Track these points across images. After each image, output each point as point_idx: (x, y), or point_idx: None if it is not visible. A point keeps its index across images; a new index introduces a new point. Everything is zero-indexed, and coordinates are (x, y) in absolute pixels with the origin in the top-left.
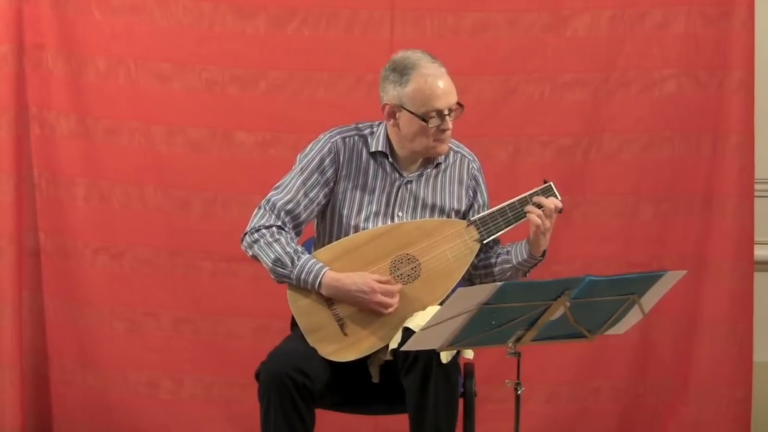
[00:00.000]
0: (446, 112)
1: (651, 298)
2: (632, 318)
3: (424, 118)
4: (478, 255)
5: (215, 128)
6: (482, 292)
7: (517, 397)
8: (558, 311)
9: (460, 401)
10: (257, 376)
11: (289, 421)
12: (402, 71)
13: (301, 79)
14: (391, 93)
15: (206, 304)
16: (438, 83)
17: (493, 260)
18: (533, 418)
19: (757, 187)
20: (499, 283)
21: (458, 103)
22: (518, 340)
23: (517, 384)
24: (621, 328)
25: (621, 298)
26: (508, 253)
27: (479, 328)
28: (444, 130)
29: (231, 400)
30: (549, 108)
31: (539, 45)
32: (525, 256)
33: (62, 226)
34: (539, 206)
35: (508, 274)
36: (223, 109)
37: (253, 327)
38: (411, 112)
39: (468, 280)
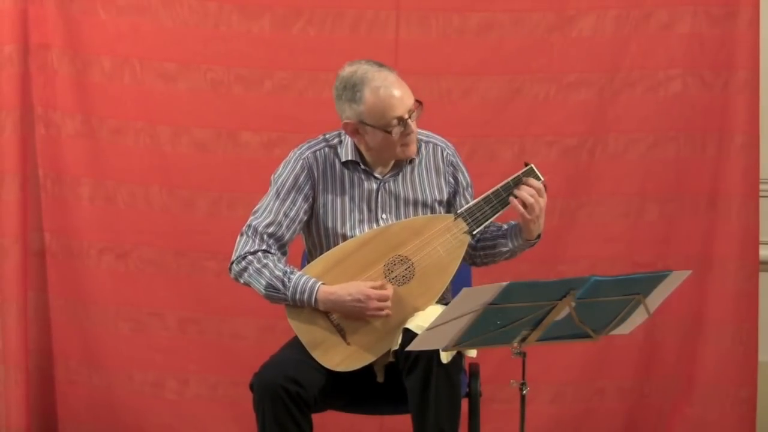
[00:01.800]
0: (406, 116)
1: (656, 298)
2: (637, 318)
3: (386, 130)
4: (474, 239)
5: (220, 128)
6: (487, 292)
7: (522, 397)
8: (563, 311)
9: (465, 401)
10: (251, 387)
11: (286, 431)
12: (353, 88)
13: (307, 79)
14: (348, 112)
15: (211, 304)
16: (391, 92)
17: (490, 242)
18: (538, 419)
19: (762, 187)
20: (504, 283)
21: (417, 101)
22: (523, 340)
23: (522, 384)
24: (626, 328)
25: (626, 298)
26: (504, 236)
27: (484, 328)
28: (408, 134)
29: (236, 400)
30: (554, 108)
31: (544, 45)
32: (520, 241)
33: (67, 226)
34: (523, 197)
35: (506, 255)
36: (229, 109)
37: (258, 327)
38: (372, 126)
39: (469, 259)
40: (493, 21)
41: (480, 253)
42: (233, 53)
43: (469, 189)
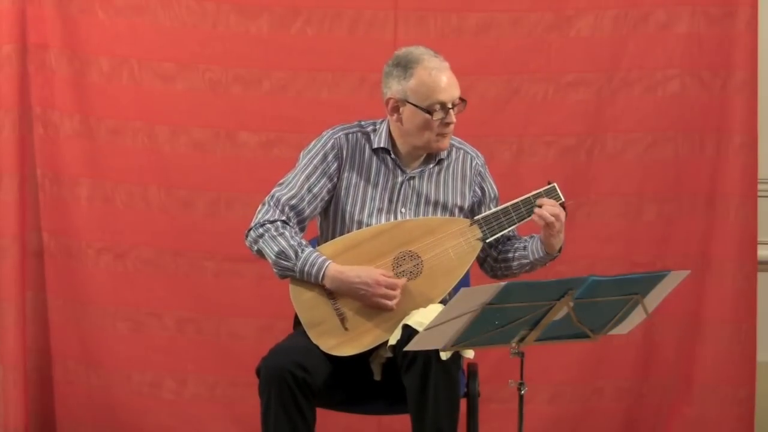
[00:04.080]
0: (450, 105)
1: (654, 298)
2: (636, 318)
3: (429, 111)
4: (495, 248)
5: (218, 128)
6: (486, 292)
7: (521, 397)
8: (561, 311)
9: (464, 401)
10: (258, 371)
11: (289, 416)
12: (405, 66)
13: (305, 79)
14: (394, 88)
15: (210, 304)
16: (441, 77)
17: (511, 254)
18: (536, 418)
19: (760, 187)
20: (502, 283)
21: (461, 99)
22: (521, 340)
23: (521, 384)
24: (624, 328)
25: (624, 298)
26: (525, 248)
27: (483, 328)
28: (448, 124)
29: (234, 400)
30: (552, 108)
31: (543, 45)
32: (541, 254)
33: (65, 226)
34: (544, 216)
35: (527, 268)
36: (227, 109)
37: (257, 327)
38: (415, 106)
39: (490, 271)
40: (492, 21)
41: (501, 265)
42: (231, 53)
43: (495, 201)
